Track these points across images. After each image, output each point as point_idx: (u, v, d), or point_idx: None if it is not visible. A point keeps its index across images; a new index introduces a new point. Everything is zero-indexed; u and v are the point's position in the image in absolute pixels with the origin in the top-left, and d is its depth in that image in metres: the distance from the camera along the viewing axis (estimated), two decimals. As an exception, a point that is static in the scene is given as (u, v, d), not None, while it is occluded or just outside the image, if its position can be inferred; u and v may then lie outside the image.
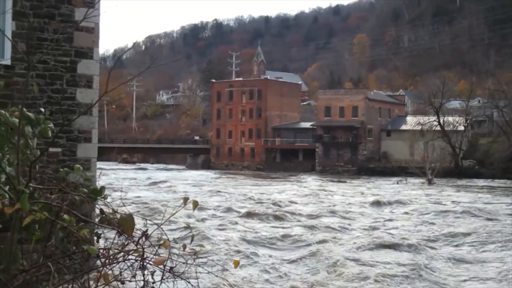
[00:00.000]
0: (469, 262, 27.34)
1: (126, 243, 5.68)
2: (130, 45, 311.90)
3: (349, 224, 39.31)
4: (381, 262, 26.03)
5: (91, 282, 5.77)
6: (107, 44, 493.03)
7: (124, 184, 61.16)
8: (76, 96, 16.09)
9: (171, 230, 16.20)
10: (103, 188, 6.20)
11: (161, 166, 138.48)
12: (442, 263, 26.64)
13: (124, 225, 5.28)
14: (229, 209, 45.92)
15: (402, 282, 22.49)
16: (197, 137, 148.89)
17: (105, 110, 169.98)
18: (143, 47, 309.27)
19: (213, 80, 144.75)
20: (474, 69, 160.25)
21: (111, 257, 5.61)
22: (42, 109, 5.33)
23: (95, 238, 6.41)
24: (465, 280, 23.60)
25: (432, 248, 30.33)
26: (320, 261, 25.97)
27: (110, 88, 6.35)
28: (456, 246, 31.60)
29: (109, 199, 6.35)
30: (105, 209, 6.10)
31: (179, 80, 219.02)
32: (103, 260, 5.64)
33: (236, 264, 6.78)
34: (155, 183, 77.54)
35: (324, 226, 38.04)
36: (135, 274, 5.76)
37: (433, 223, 40.12)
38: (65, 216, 5.54)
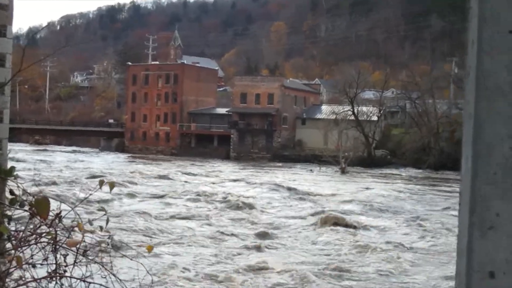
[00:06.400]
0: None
1: (38, 225, 5.54)
2: (44, 24, 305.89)
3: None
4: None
5: (1, 265, 5.61)
6: (21, 22, 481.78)
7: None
8: (-13, 74, 15.62)
9: (87, 212, 16.12)
10: (12, 168, 6.02)
11: (70, 148, 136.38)
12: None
13: (39, 207, 5.13)
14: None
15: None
16: (111, 120, 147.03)
17: (17, 90, 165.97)
18: (58, 27, 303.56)
19: (129, 63, 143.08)
20: (389, 60, 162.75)
21: (23, 239, 5.46)
22: None
23: (6, 220, 6.23)
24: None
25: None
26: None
27: (23, 67, 6.17)
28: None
29: (20, 180, 6.17)
30: (16, 190, 5.93)
31: (94, 62, 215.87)
32: (14, 242, 5.49)
33: (149, 249, 6.70)
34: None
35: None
36: (47, 257, 5.63)
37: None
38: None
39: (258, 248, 28.93)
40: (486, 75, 1.76)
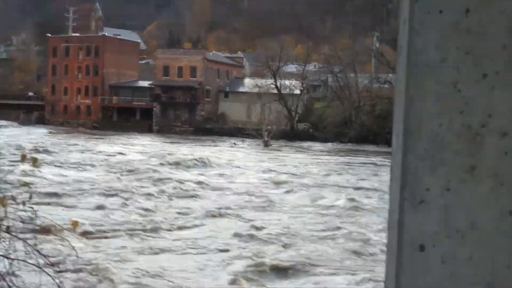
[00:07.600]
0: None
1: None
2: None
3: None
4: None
5: None
6: None
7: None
8: None
9: (9, 187, 16.06)
10: None
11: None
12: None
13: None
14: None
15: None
16: (31, 93, 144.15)
17: None
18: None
19: (49, 35, 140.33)
20: (311, 34, 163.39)
21: None
22: None
23: None
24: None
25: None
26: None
27: None
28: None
29: None
30: None
31: (13, 33, 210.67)
32: None
33: (75, 224, 6.62)
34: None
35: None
36: (-32, 234, 5.48)
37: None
38: None
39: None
40: (417, 53, 1.79)
